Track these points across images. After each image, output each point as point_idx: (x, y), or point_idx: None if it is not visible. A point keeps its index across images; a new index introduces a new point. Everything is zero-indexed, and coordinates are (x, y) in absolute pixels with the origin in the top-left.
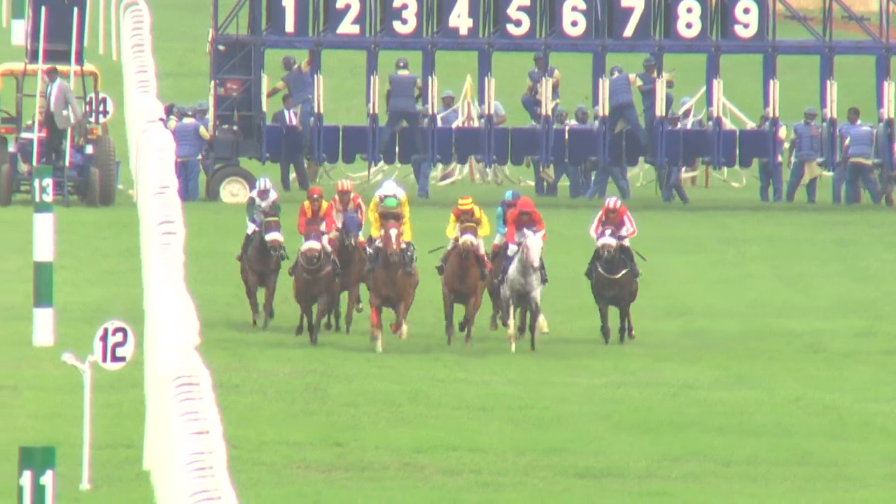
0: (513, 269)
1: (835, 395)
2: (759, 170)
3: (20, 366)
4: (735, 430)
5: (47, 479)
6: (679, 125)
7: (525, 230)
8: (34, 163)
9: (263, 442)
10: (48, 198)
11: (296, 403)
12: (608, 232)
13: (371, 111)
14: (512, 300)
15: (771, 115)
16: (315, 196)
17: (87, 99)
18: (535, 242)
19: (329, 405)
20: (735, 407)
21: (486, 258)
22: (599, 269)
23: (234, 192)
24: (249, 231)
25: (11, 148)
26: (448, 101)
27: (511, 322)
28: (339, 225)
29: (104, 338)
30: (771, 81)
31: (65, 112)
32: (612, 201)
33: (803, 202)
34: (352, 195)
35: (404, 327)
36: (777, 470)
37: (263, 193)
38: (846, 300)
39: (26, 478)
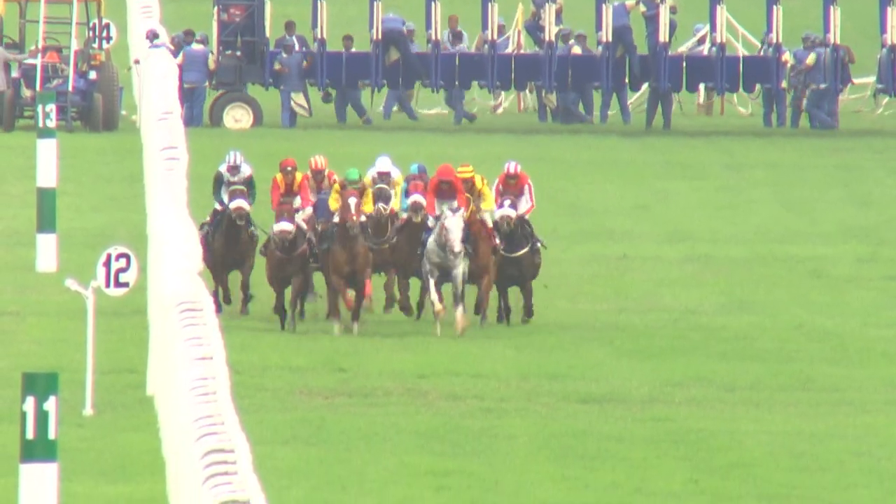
0: (431, 241)
1: (837, 321)
2: (762, 96)
3: (23, 292)
4: (737, 355)
5: (50, 404)
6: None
7: (445, 208)
8: (37, 88)
9: (267, 367)
10: (51, 123)
11: (299, 329)
12: (507, 202)
13: (374, 37)
14: (432, 275)
15: (774, 40)
16: (289, 168)
17: (91, 25)
18: (455, 223)
19: (332, 331)
20: (737, 332)
21: (493, 232)
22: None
23: (237, 117)
24: (218, 209)
25: (15, 73)
26: (500, 30)
27: (435, 298)
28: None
29: (107, 263)
30: (774, 7)
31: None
32: (512, 166)
33: (806, 128)
34: (326, 173)
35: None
36: (779, 395)
37: (234, 169)
38: (848, 225)
39: (29, 403)
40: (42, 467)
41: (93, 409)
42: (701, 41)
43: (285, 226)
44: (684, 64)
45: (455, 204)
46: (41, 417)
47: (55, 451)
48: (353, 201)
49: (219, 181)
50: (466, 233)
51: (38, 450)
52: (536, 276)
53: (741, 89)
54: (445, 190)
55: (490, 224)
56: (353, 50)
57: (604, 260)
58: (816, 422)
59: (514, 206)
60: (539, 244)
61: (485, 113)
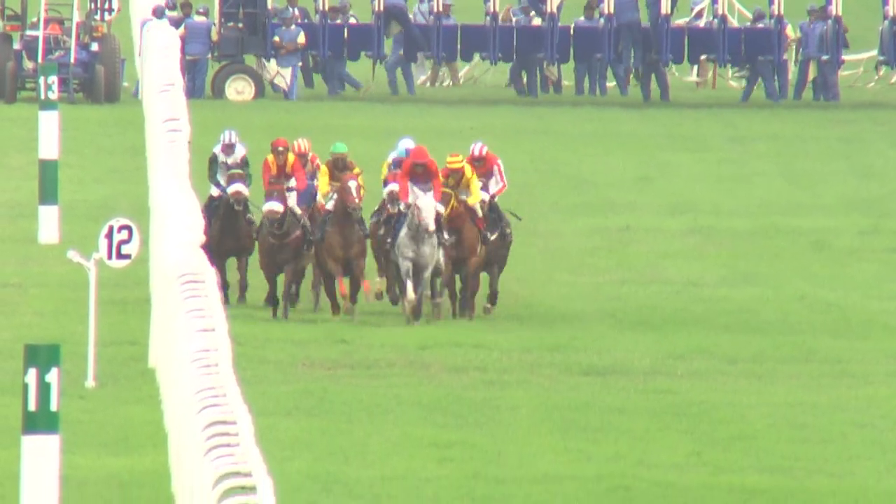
0: (403, 233)
1: (839, 293)
2: (749, 70)
3: (25, 263)
4: (740, 327)
5: (52, 376)
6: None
7: (415, 189)
8: (39, 60)
9: (269, 339)
10: (53, 95)
11: (301, 301)
12: (479, 185)
13: (376, 9)
14: (407, 275)
15: (776, 12)
16: (280, 149)
17: None
18: (427, 202)
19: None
20: (740, 304)
21: (481, 219)
22: None
23: (239, 89)
24: (214, 194)
25: (17, 45)
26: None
27: (410, 291)
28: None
29: (109, 235)
30: None
31: None
32: (478, 147)
33: (809, 100)
34: (310, 156)
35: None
36: (782, 367)
37: (228, 148)
38: (851, 198)
39: (31, 375)
40: (44, 439)
41: (95, 381)
42: (698, 16)
43: (274, 206)
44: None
45: (429, 186)
46: (43, 389)
47: (57, 423)
48: (353, 184)
49: (213, 162)
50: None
51: (40, 422)
52: (504, 264)
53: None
54: (420, 174)
55: (480, 213)
56: (353, 22)
57: (606, 232)
58: (819, 394)
59: (485, 188)
60: (509, 229)
61: (485, 84)
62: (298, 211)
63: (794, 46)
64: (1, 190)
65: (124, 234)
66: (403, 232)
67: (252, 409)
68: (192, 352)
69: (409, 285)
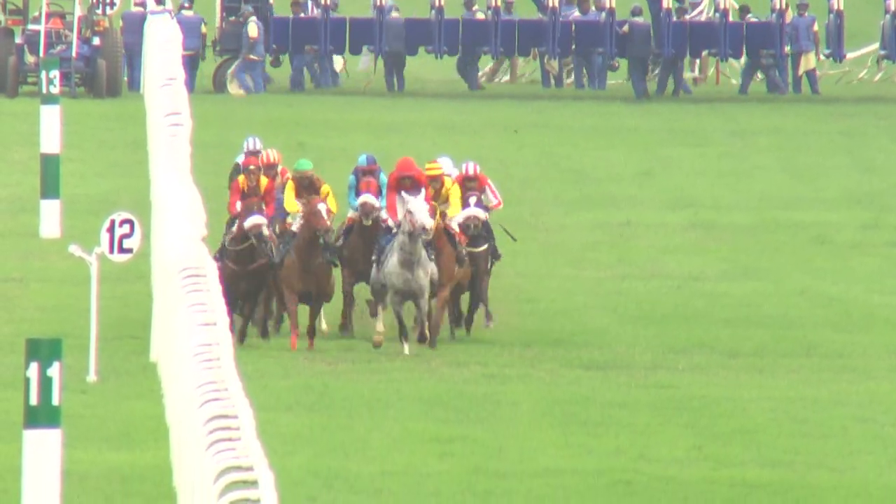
0: (394, 262)
1: (840, 287)
2: (745, 64)
3: (27, 258)
4: (741, 321)
5: (54, 370)
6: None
7: (404, 195)
8: (41, 54)
9: (270, 334)
10: (55, 89)
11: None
12: (472, 200)
13: (378, 3)
14: (395, 304)
15: (778, 6)
16: (252, 167)
17: None
18: (418, 204)
19: (335, 298)
20: (741, 299)
21: (458, 234)
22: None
23: (241, 83)
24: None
25: (18, 39)
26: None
27: (380, 326)
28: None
29: (111, 229)
30: None
31: None
32: (470, 167)
33: (808, 94)
34: (279, 168)
35: (322, 322)
36: (783, 361)
37: (252, 155)
38: (852, 192)
39: (33, 370)
40: (45, 433)
41: (96, 376)
42: (694, 6)
43: (257, 219)
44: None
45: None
46: (45, 383)
47: (58, 418)
48: (322, 207)
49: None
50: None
51: (41, 416)
52: (489, 276)
53: (744, 56)
54: (408, 186)
55: (456, 229)
56: (337, 15)
57: (607, 227)
58: (820, 388)
59: (479, 204)
60: (499, 252)
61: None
62: (266, 233)
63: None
64: (2, 184)
65: (126, 229)
66: (394, 258)
67: (253, 403)
68: (193, 346)
69: (381, 316)
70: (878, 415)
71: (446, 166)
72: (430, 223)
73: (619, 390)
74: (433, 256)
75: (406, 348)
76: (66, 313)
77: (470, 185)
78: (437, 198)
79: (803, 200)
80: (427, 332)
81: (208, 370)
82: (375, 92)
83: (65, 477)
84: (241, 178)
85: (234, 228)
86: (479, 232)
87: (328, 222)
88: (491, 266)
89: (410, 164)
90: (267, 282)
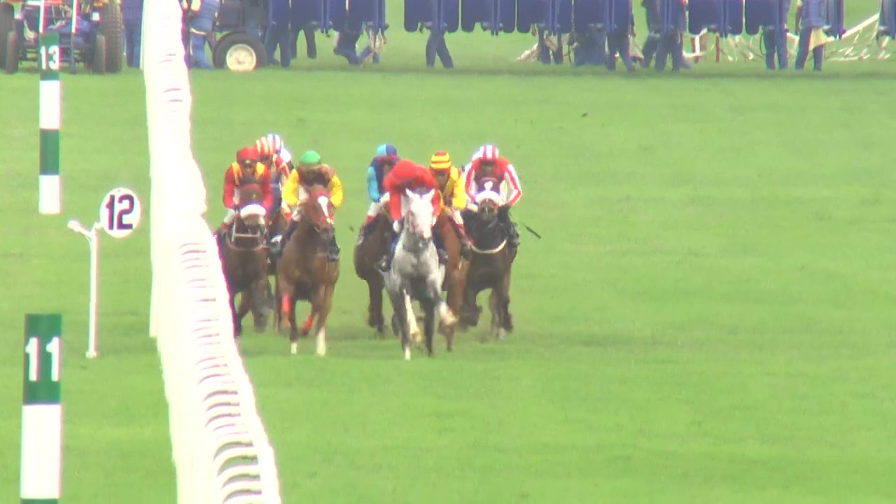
0: (399, 248)
1: (840, 263)
2: (763, 38)
3: (27, 233)
4: (740, 297)
5: (53, 346)
6: None
7: (409, 193)
8: (40, 30)
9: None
10: (55, 65)
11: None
12: (488, 185)
13: None
14: (405, 289)
15: None
16: (248, 161)
17: None
18: (423, 206)
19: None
20: (740, 274)
21: (464, 232)
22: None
23: (240, 59)
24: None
25: (18, 15)
26: None
27: (411, 319)
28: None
29: (110, 205)
30: None
31: None
32: (489, 150)
33: (810, 70)
34: (275, 158)
35: (321, 339)
36: (782, 337)
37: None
38: (852, 168)
39: (32, 345)
40: (45, 409)
41: (96, 351)
42: None
43: (255, 209)
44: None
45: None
46: (44, 359)
47: (58, 393)
48: (323, 201)
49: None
50: (438, 235)
51: (41, 392)
52: (509, 276)
53: (744, 31)
54: (415, 186)
55: (460, 221)
56: None
57: (607, 202)
58: (819, 364)
59: (495, 189)
60: (517, 240)
61: (487, 55)
62: (262, 223)
63: (795, 15)
64: (2, 160)
65: (125, 204)
66: (399, 247)
67: (253, 379)
68: (193, 321)
69: (410, 312)
70: (878, 390)
71: (491, 153)
72: (427, 233)
73: (618, 366)
74: (446, 256)
75: (407, 353)
76: (65, 289)
77: (487, 169)
78: (444, 190)
79: (803, 176)
80: (440, 321)
81: (208, 346)
82: (377, 69)
83: (64, 452)
84: (234, 166)
85: (227, 219)
86: (493, 219)
87: (329, 220)
88: (512, 259)
89: (410, 166)
90: (264, 268)
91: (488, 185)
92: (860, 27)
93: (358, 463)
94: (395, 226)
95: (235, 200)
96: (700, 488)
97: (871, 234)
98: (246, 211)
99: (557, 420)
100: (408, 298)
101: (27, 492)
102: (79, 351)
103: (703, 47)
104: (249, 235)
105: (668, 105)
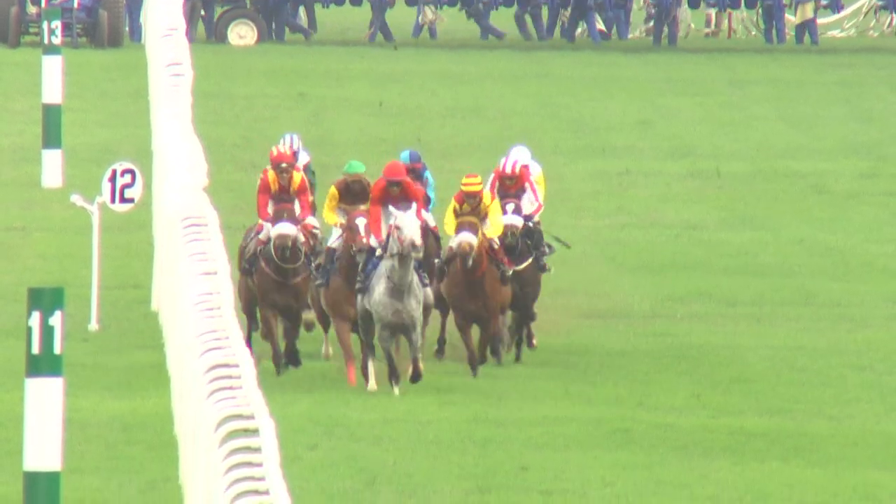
0: (381, 291)
1: (838, 236)
2: (762, 12)
3: (29, 207)
4: (739, 270)
5: (56, 319)
6: None
7: (391, 209)
8: (43, 5)
9: None
10: (57, 40)
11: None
12: (510, 207)
13: None
14: (382, 336)
15: None
16: (284, 165)
17: None
18: (407, 219)
19: None
20: (739, 248)
21: (501, 253)
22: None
23: (241, 34)
24: (266, 234)
25: None
26: None
27: (371, 369)
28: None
29: (112, 179)
30: None
31: None
32: (511, 164)
33: (808, 44)
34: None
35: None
36: (781, 310)
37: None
38: (850, 141)
39: (35, 318)
40: (47, 382)
41: (98, 325)
42: None
43: (286, 228)
44: None
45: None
46: (47, 332)
47: (61, 366)
48: (361, 222)
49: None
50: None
51: (43, 365)
52: (538, 295)
53: (742, 6)
54: (396, 195)
55: (497, 245)
56: None
57: (606, 176)
58: (818, 337)
59: (518, 211)
60: (546, 254)
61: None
62: (302, 239)
63: None
64: (4, 134)
65: (127, 178)
66: (381, 287)
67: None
68: (194, 295)
69: (372, 373)
70: (876, 363)
71: (523, 157)
72: (419, 240)
73: (617, 339)
74: (427, 281)
75: (396, 390)
76: (67, 262)
77: (508, 183)
78: (476, 215)
79: (801, 150)
80: (421, 365)
81: (209, 319)
82: (378, 44)
83: (67, 425)
84: (270, 174)
85: (262, 235)
86: (516, 242)
87: (366, 240)
88: (539, 279)
89: (399, 168)
90: (303, 298)
91: (510, 207)
92: (859, 3)
93: (358, 435)
94: (374, 242)
95: (270, 212)
96: (699, 460)
97: (870, 207)
98: (276, 231)
99: (557, 393)
100: (393, 351)
101: (29, 464)
102: (81, 324)
103: (718, 24)
104: (290, 266)
105: (666, 79)
